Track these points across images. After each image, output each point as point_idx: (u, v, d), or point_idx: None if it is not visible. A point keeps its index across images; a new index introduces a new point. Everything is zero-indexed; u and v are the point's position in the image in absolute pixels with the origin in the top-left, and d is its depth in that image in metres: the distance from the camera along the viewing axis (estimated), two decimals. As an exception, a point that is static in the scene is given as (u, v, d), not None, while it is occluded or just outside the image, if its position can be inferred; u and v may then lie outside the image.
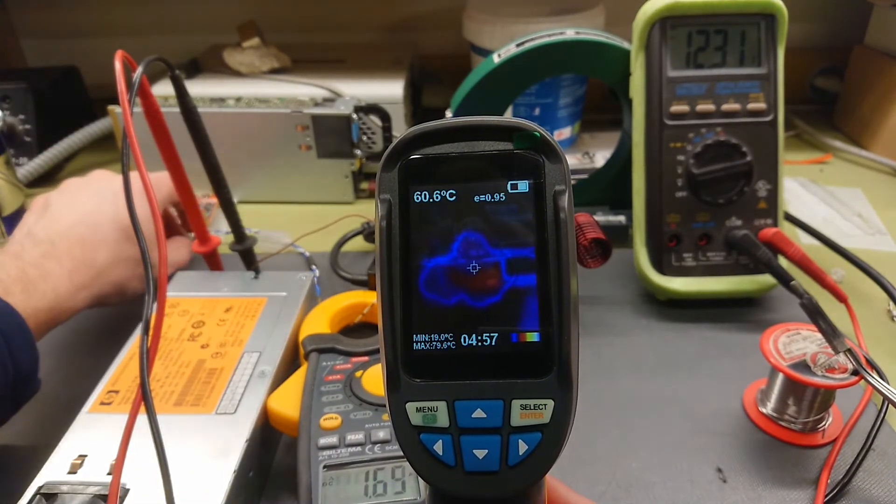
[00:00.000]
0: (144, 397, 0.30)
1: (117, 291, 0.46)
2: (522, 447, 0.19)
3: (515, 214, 0.20)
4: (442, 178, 0.20)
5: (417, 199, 0.20)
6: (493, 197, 0.20)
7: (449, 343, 0.20)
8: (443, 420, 0.19)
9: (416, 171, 0.20)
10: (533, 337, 0.19)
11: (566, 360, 0.19)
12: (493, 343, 0.20)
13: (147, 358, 0.31)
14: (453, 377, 0.20)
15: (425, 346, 0.20)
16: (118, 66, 0.35)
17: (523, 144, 0.20)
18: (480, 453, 0.19)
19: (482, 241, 0.20)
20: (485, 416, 0.19)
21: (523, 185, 0.20)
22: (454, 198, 0.20)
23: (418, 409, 0.19)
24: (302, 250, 0.61)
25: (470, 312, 0.20)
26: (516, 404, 0.19)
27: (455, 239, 0.20)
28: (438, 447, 0.19)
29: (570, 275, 0.19)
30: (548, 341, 0.19)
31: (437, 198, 0.20)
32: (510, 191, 0.20)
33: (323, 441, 0.36)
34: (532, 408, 0.19)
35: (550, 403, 0.19)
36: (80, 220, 0.45)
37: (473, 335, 0.20)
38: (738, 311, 0.52)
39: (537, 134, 0.20)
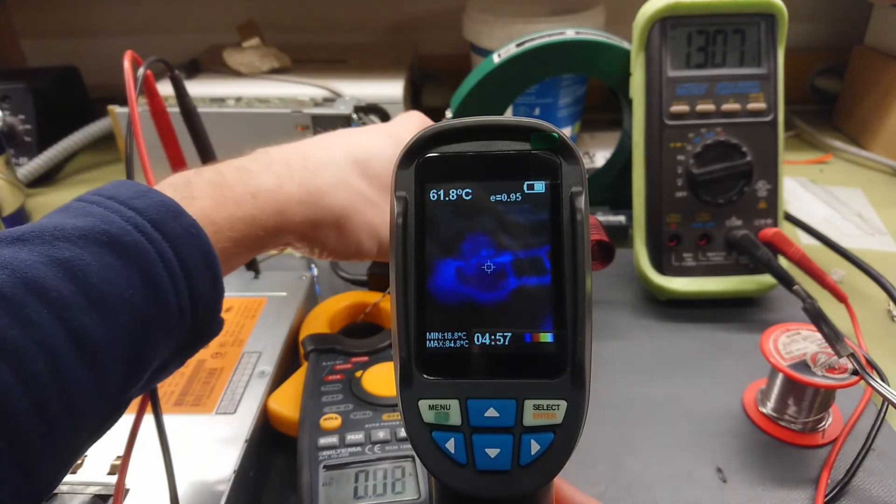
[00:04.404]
0: (152, 398, 0.30)
1: (336, 224, 0.33)
2: (535, 447, 0.19)
3: (531, 215, 0.20)
4: (458, 177, 0.20)
5: (433, 197, 0.20)
6: (509, 197, 0.20)
7: (462, 341, 0.20)
8: (455, 418, 0.19)
9: (433, 170, 0.20)
10: (547, 337, 0.19)
11: (580, 361, 0.19)
12: (507, 343, 0.20)
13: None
14: (466, 376, 0.20)
15: (439, 343, 0.20)
16: (126, 65, 0.35)
17: (541, 145, 0.20)
18: (492, 452, 0.19)
19: (497, 240, 0.20)
20: (497, 415, 0.19)
21: (540, 186, 0.20)
22: (470, 197, 0.20)
23: (431, 407, 0.19)
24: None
25: (484, 311, 0.20)
26: (529, 404, 0.19)
27: (470, 238, 0.20)
28: (450, 445, 0.19)
29: (586, 276, 0.19)
30: (561, 342, 0.19)
31: (452, 196, 0.20)
32: (526, 191, 0.20)
33: (323, 441, 0.36)
34: (545, 408, 0.19)
35: (563, 404, 0.19)
36: (306, 142, 0.35)
37: (487, 334, 0.20)
38: (738, 311, 0.52)
39: (555, 135, 0.20)
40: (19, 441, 0.20)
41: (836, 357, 0.38)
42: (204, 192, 0.28)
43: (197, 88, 0.74)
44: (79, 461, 0.34)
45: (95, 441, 0.24)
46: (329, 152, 0.34)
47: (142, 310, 0.23)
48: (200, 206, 0.27)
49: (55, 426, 0.21)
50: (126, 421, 0.30)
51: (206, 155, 0.47)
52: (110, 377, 0.23)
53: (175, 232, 0.25)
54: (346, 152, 0.35)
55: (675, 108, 0.51)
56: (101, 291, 0.22)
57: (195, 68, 0.81)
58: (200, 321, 0.26)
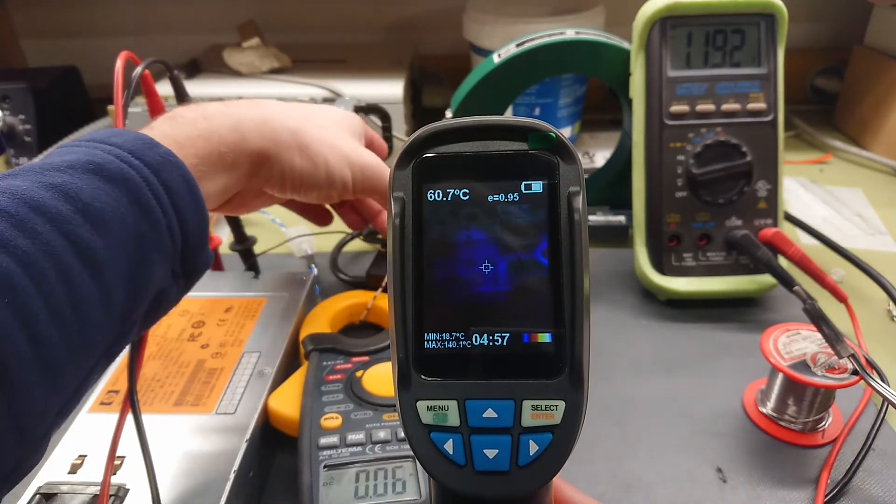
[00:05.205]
0: (131, 397, 0.30)
1: (296, 141, 0.35)
2: (533, 448, 0.19)
3: (529, 215, 0.20)
4: (456, 177, 0.20)
5: (431, 197, 0.20)
6: (506, 197, 0.20)
7: (460, 342, 0.20)
8: (453, 419, 0.19)
9: (430, 170, 0.20)
10: (545, 337, 0.19)
11: (578, 361, 0.19)
12: (505, 343, 0.20)
13: (137, 352, 0.31)
14: (464, 376, 0.20)
15: (437, 344, 0.20)
16: (119, 64, 0.35)
17: (538, 145, 0.20)
18: (491, 453, 0.19)
19: (495, 240, 0.20)
20: (496, 415, 0.19)
21: (537, 186, 0.20)
22: (468, 197, 0.20)
23: (429, 408, 0.19)
24: (310, 252, 0.61)
25: (482, 312, 0.20)
26: (527, 405, 0.19)
27: (468, 238, 0.20)
28: (449, 446, 0.19)
29: (584, 276, 0.19)
30: (559, 342, 0.19)
31: (450, 197, 0.20)
32: (524, 191, 0.20)
33: (323, 441, 0.36)
34: (543, 409, 0.19)
35: (562, 405, 0.19)
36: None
37: (485, 335, 0.20)
38: (738, 311, 0.52)
39: (553, 135, 0.20)
40: (40, 341, 0.21)
41: (836, 357, 0.38)
42: (160, 123, 0.31)
43: (197, 88, 0.74)
44: (78, 461, 0.34)
45: (108, 364, 0.26)
46: (272, 101, 0.38)
47: (134, 227, 0.25)
48: (160, 131, 0.29)
49: (70, 332, 0.22)
50: (113, 421, 0.30)
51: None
52: (114, 291, 0.24)
53: (154, 160, 0.27)
54: (293, 105, 0.39)
55: (675, 108, 0.51)
56: (95, 209, 0.24)
57: (195, 68, 0.81)
58: (190, 246, 0.28)
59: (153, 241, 0.26)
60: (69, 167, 0.24)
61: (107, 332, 0.24)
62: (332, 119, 0.40)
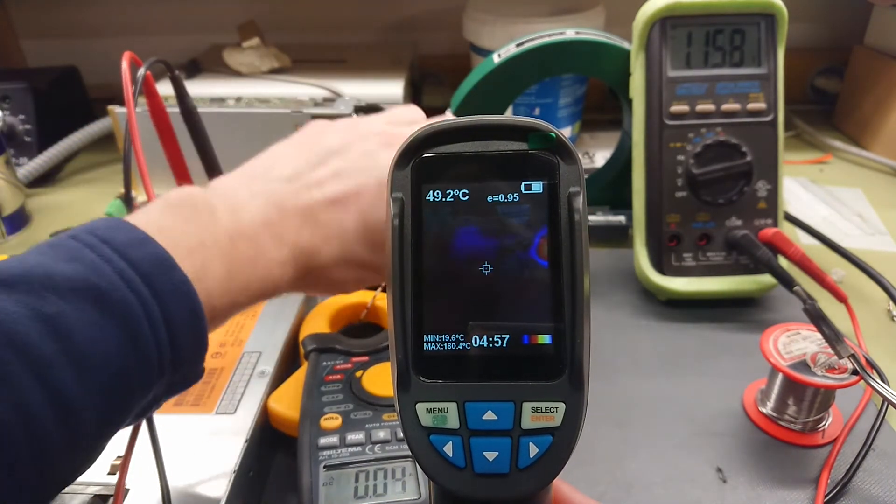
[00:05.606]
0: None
1: (327, 289, 0.35)
2: (533, 450, 0.19)
3: (529, 215, 0.20)
4: (455, 178, 0.20)
5: (430, 198, 0.20)
6: (506, 197, 0.20)
7: (460, 344, 0.20)
8: (453, 421, 0.19)
9: (430, 170, 0.20)
10: (545, 339, 0.19)
11: (578, 362, 0.19)
12: (505, 344, 0.19)
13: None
14: (464, 378, 0.19)
15: (436, 346, 0.20)
16: (125, 65, 0.35)
17: (538, 145, 0.20)
18: (490, 455, 0.19)
19: (495, 241, 0.20)
20: (496, 418, 0.19)
21: (537, 186, 0.20)
22: (467, 197, 0.20)
23: (428, 410, 0.19)
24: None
25: (481, 313, 0.20)
26: (527, 407, 0.19)
27: (467, 239, 0.20)
28: (448, 448, 0.19)
29: (584, 277, 0.19)
30: (559, 343, 0.19)
31: (449, 197, 0.20)
32: (524, 191, 0.20)
33: (323, 441, 0.36)
34: (543, 410, 0.19)
35: (562, 406, 0.19)
36: (329, 193, 0.32)
37: (485, 336, 0.20)
38: (738, 311, 0.52)
39: (553, 135, 0.20)
40: None
41: (836, 357, 0.38)
42: (213, 269, 0.27)
43: (197, 88, 0.74)
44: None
45: (68, 485, 0.24)
46: (343, 214, 0.32)
47: (122, 368, 0.23)
48: (206, 289, 0.26)
49: (27, 481, 0.21)
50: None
51: (206, 155, 0.47)
52: (84, 432, 0.23)
53: (165, 288, 0.24)
54: (359, 216, 0.32)
55: (675, 108, 0.51)
56: (82, 350, 0.22)
57: (195, 68, 0.81)
58: (180, 375, 0.26)
59: (141, 379, 0.24)
60: (70, 289, 0.22)
61: (72, 464, 0.23)
62: (371, 239, 0.34)
